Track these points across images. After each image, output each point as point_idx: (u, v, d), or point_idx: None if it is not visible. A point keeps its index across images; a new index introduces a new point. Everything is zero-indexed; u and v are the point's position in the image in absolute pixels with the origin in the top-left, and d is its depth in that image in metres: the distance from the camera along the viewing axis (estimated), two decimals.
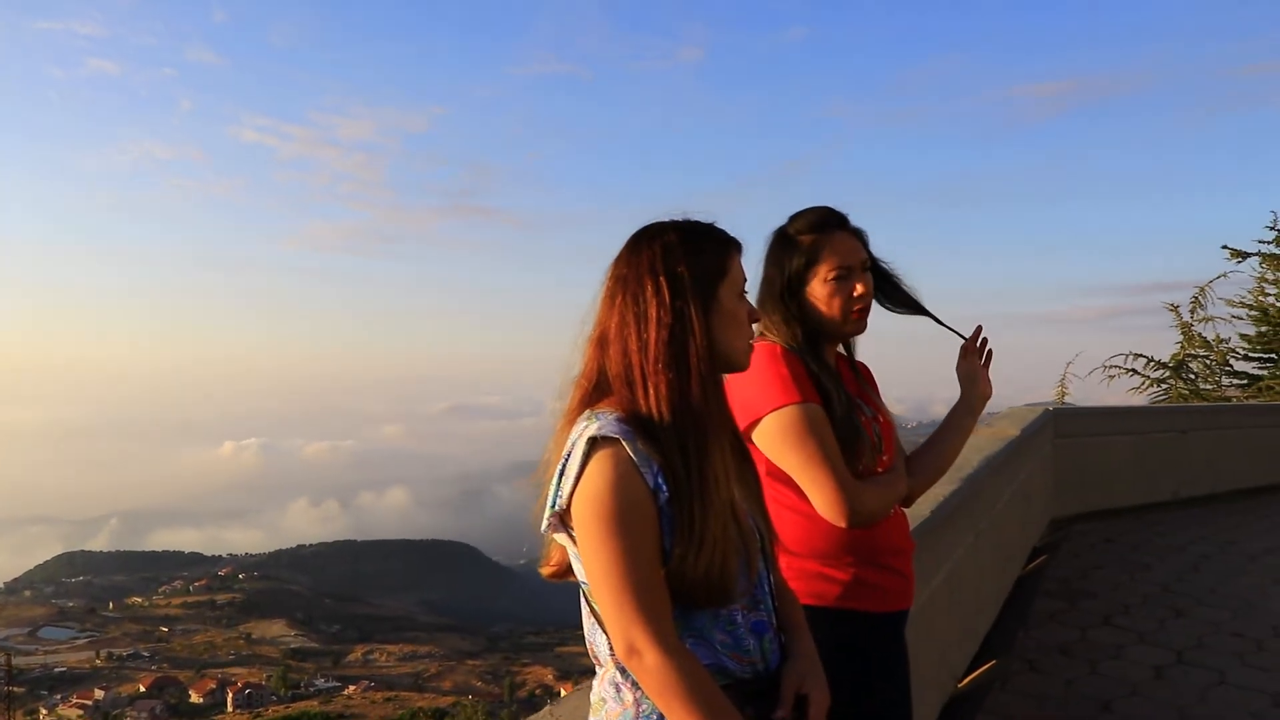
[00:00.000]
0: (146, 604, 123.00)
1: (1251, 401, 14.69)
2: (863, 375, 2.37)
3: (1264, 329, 16.22)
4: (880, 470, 2.22)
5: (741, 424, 2.08)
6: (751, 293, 1.90)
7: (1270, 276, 16.52)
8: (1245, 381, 16.20)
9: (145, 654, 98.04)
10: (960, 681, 4.69)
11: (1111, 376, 15.78)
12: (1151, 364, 15.79)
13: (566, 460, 1.53)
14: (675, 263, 1.58)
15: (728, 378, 2.13)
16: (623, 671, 1.54)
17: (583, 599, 1.60)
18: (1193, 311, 16.22)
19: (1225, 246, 16.30)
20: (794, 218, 2.20)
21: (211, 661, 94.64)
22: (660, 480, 1.49)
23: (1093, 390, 15.91)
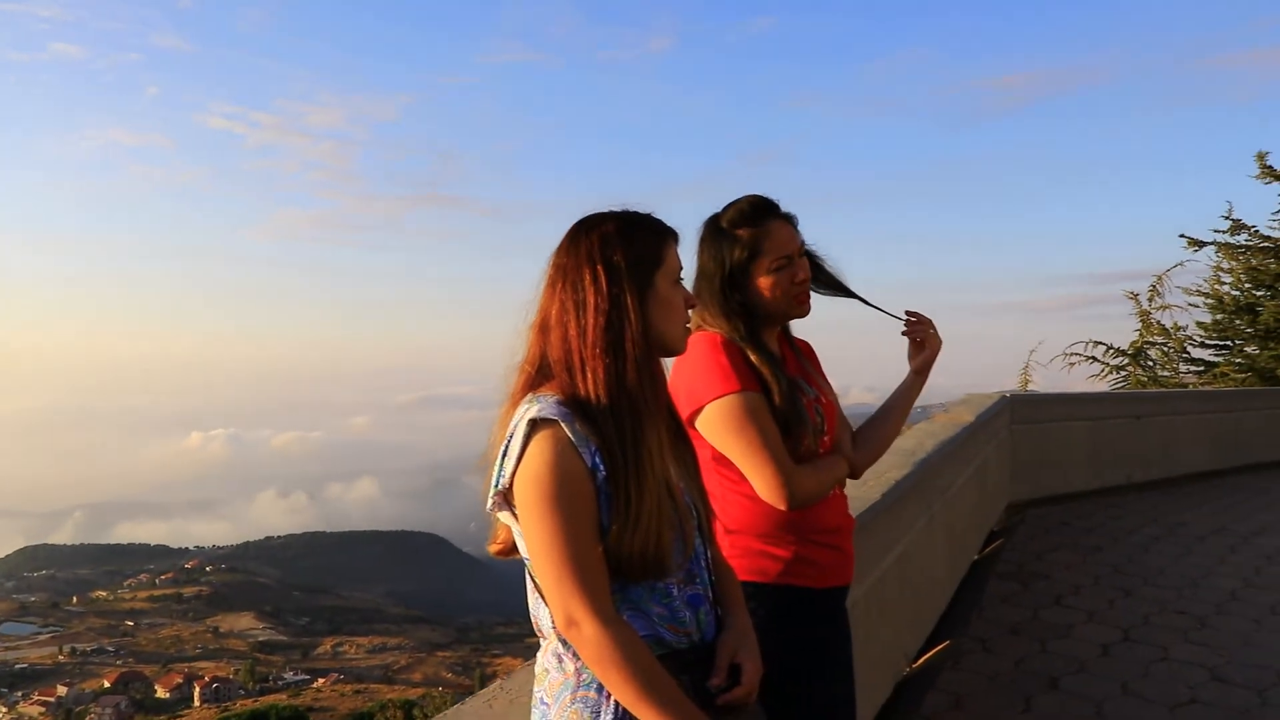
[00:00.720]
0: (111, 598, 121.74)
1: (1207, 388, 14.97)
2: (804, 354, 2.45)
3: (1219, 317, 16.55)
4: (823, 451, 2.30)
5: (686, 412, 2.15)
6: (688, 284, 1.98)
7: (1225, 265, 16.84)
8: (1201, 368, 16.51)
9: (110, 649, 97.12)
10: (914, 662, 4.79)
11: (1072, 364, 16.05)
12: (1111, 351, 16.06)
13: (509, 441, 1.59)
14: (612, 252, 1.65)
15: (673, 366, 2.21)
16: (564, 643, 1.61)
17: (527, 575, 1.67)
18: (1151, 300, 16.51)
19: (1183, 236, 16.60)
20: (727, 209, 2.25)
21: (178, 656, 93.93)
22: (598, 460, 1.56)
23: (1056, 378, 16.17)
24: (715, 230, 2.25)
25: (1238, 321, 16.51)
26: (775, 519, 2.19)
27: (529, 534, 1.57)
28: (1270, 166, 16.19)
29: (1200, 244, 16.50)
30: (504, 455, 1.60)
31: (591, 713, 1.58)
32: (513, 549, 1.71)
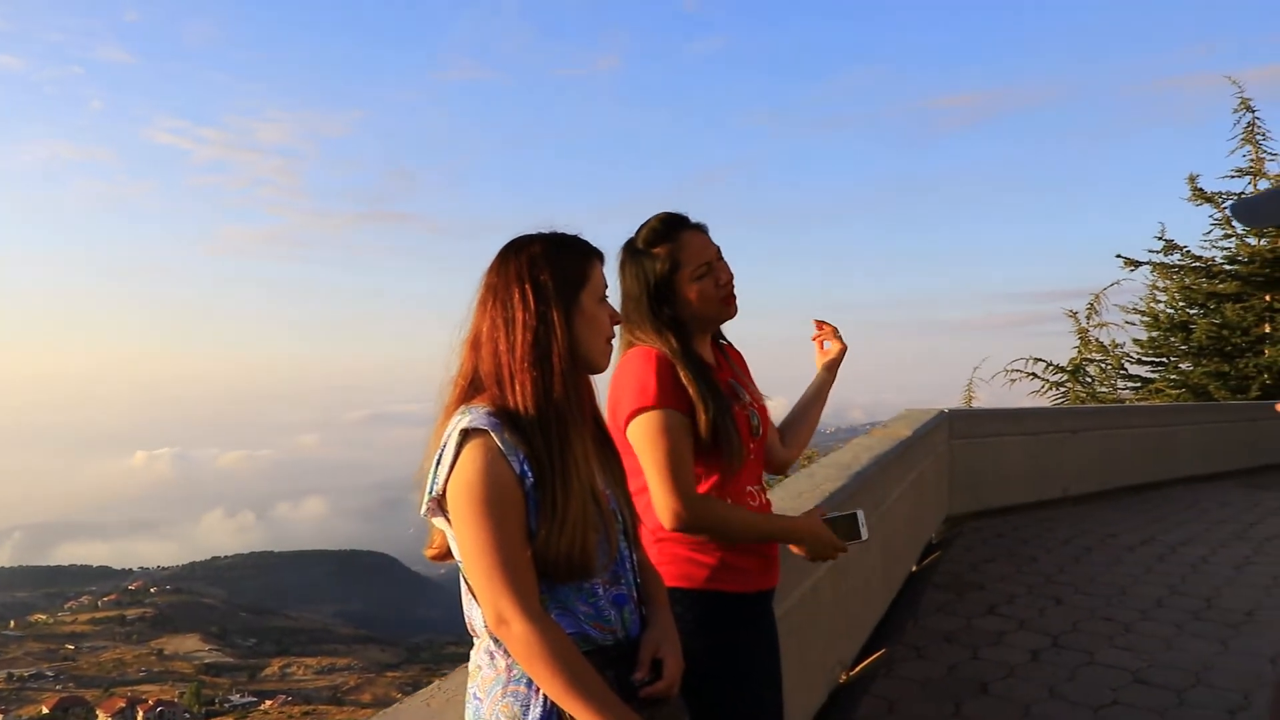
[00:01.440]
0: (51, 621, 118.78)
1: (1142, 404, 15.36)
2: (734, 361, 2.57)
3: (1154, 334, 17.01)
4: (752, 451, 2.40)
5: (619, 421, 2.26)
6: (616, 306, 2.11)
7: (1160, 284, 17.34)
8: (1138, 384, 16.94)
9: (49, 674, 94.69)
10: (851, 670, 4.92)
11: (1013, 381, 16.40)
12: (1050, 368, 16.43)
13: (442, 450, 1.69)
14: (540, 271, 1.76)
15: (612, 378, 2.32)
16: (495, 641, 1.71)
17: (461, 578, 1.76)
18: (1089, 318, 16.94)
19: (1119, 255, 17.06)
20: (640, 230, 2.36)
21: (121, 679, 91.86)
22: (526, 467, 1.66)
23: (1000, 394, 16.51)
24: (633, 252, 2.35)
25: (1172, 339, 16.98)
26: None
27: (461, 538, 1.67)
28: (1201, 189, 16.71)
29: (1136, 264, 16.96)
30: (438, 463, 1.70)
31: (521, 706, 1.68)
32: (448, 554, 1.80)
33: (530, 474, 1.67)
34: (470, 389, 1.77)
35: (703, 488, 2.30)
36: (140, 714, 76.23)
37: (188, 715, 76.60)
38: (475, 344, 1.78)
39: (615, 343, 2.31)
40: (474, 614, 1.74)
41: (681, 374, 2.25)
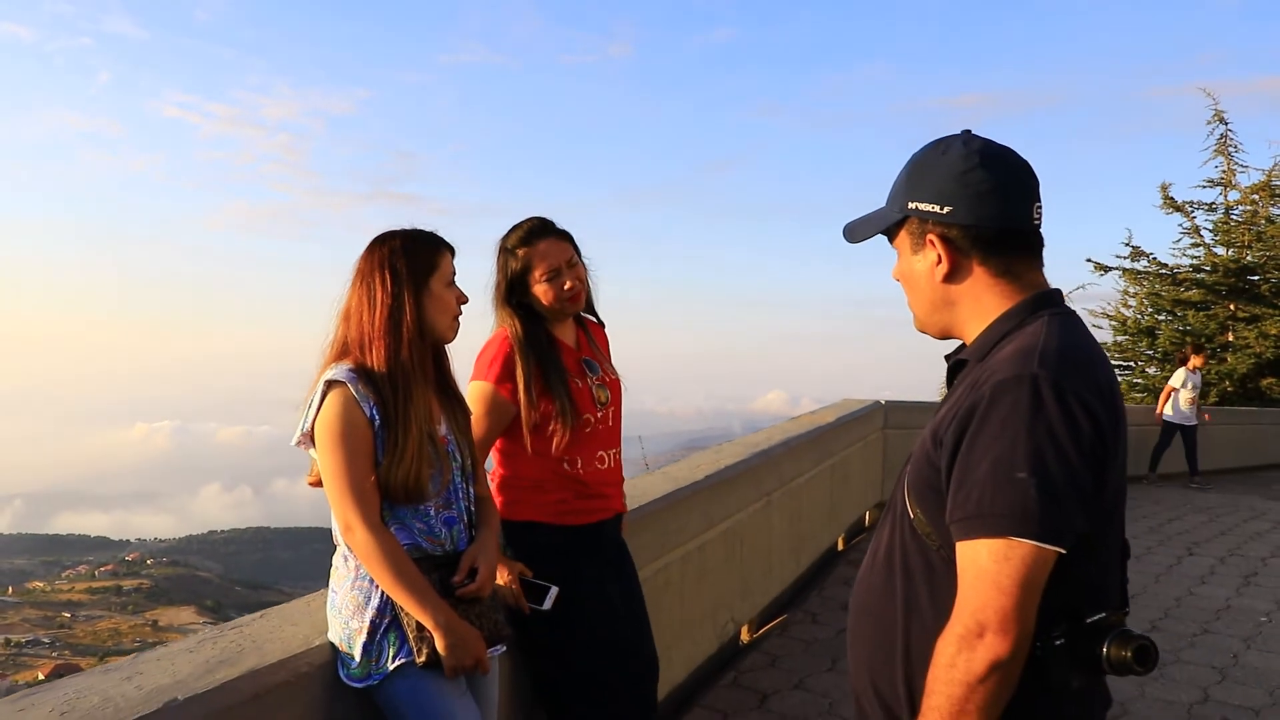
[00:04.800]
0: (48, 589, 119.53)
1: None
2: (595, 339, 3.07)
3: (1121, 338, 17.50)
4: (598, 420, 2.89)
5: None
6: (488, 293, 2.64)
7: (1131, 290, 17.83)
8: None
9: (45, 640, 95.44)
10: (756, 633, 5.43)
11: None
12: None
13: (313, 397, 2.22)
14: (397, 260, 2.28)
15: (483, 348, 2.84)
16: (347, 546, 2.22)
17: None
18: None
19: (1089, 260, 17.54)
20: (510, 232, 2.86)
21: (116, 649, 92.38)
22: (374, 412, 2.19)
23: None
24: (502, 249, 2.86)
25: (1139, 343, 17.46)
26: (540, 474, 2.81)
27: (322, 465, 2.20)
28: (1171, 197, 17.18)
29: (1105, 269, 17.46)
30: (309, 407, 2.22)
31: (364, 597, 2.21)
32: (320, 481, 2.32)
33: (378, 418, 2.19)
34: (342, 351, 2.29)
35: (551, 447, 2.79)
36: None
37: None
38: (346, 316, 2.31)
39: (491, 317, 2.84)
40: (334, 527, 2.26)
41: (517, 354, 2.75)
